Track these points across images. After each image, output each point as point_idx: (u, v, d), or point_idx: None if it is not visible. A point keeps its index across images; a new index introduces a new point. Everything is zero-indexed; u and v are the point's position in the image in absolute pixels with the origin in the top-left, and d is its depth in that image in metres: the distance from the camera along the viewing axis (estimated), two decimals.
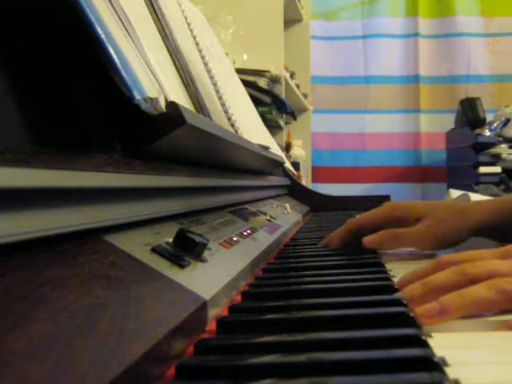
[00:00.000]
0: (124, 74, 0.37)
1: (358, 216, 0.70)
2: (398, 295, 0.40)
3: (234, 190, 0.74)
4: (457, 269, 0.39)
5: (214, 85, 0.81)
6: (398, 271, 0.51)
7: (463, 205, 0.66)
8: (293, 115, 2.34)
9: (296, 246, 0.76)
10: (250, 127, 0.99)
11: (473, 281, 0.37)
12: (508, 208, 0.63)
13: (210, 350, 0.30)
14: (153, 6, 0.61)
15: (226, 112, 0.81)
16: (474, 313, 0.36)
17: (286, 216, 0.99)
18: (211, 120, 0.64)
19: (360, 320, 0.35)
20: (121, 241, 0.34)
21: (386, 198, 1.49)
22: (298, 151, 2.58)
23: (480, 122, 3.03)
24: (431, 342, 0.29)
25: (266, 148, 0.93)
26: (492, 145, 2.91)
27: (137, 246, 0.35)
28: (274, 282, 0.50)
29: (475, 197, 2.00)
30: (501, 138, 2.92)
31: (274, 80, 2.03)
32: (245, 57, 1.97)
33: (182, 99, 0.55)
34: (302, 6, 2.77)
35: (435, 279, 0.39)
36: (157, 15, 0.61)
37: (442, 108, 3.47)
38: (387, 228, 0.65)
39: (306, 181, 2.65)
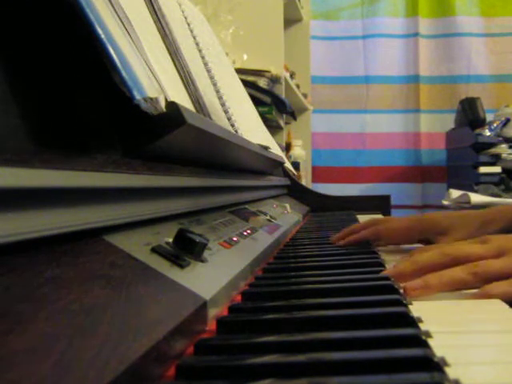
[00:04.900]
0: (124, 73, 0.37)
1: (386, 220, 0.73)
2: (388, 272, 0.48)
3: (234, 190, 0.74)
4: (439, 250, 0.49)
5: (214, 85, 0.81)
6: None
7: (483, 216, 0.68)
8: (293, 115, 2.34)
9: (296, 245, 0.76)
10: (250, 127, 0.99)
11: (453, 261, 0.46)
12: None
13: (210, 350, 0.30)
14: (153, 5, 0.61)
15: (226, 112, 0.81)
16: (450, 290, 0.44)
17: (286, 216, 0.99)
18: (211, 120, 0.64)
19: (360, 320, 0.35)
20: (121, 241, 0.34)
21: (386, 197, 1.49)
22: (298, 151, 2.58)
23: (480, 122, 3.02)
24: (431, 341, 0.29)
25: (266, 148, 0.92)
26: (492, 145, 2.91)
27: (137, 245, 0.35)
28: (273, 282, 0.50)
29: (475, 197, 2.00)
30: (501, 138, 2.91)
31: (274, 80, 2.03)
32: (245, 57, 1.97)
33: (181, 99, 0.55)
34: (302, 6, 2.76)
35: (422, 258, 0.48)
36: (157, 15, 0.61)
37: (442, 108, 3.46)
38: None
39: (305, 181, 2.65)
